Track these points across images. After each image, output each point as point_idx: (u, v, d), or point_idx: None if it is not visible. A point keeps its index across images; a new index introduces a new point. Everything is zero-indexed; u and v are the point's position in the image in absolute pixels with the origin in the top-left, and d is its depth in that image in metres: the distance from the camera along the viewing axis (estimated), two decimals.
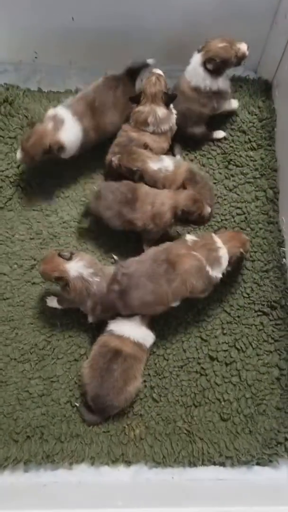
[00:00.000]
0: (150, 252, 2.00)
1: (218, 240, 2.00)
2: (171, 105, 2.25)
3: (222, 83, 2.30)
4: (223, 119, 2.47)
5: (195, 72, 2.27)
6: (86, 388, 1.95)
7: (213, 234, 2.04)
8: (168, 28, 2.42)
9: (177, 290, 1.93)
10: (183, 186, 2.15)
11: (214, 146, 2.47)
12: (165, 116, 2.21)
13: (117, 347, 1.93)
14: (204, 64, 2.23)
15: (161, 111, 2.19)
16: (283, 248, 2.29)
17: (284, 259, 2.27)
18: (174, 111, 2.27)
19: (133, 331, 1.96)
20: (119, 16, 2.33)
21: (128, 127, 2.25)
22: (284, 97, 2.43)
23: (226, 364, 2.10)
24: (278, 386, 2.08)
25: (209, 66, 2.22)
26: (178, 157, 2.38)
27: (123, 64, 2.57)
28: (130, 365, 1.93)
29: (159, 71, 2.25)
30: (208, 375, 2.08)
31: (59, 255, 1.95)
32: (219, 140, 2.46)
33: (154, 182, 2.15)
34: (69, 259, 1.96)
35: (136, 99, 2.24)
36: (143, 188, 2.11)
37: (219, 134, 2.46)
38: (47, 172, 2.36)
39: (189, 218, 2.06)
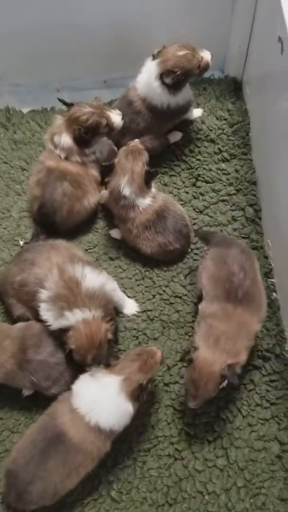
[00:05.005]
0: None
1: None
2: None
3: (182, 97, 1.87)
4: (184, 127, 2.06)
5: (149, 87, 1.83)
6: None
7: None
8: (112, 25, 2.03)
9: None
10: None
11: (177, 161, 2.04)
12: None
13: (63, 427, 1.42)
14: (161, 76, 1.78)
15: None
16: (272, 280, 1.81)
17: (274, 293, 1.79)
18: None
19: (97, 408, 1.42)
20: (46, 15, 1.95)
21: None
22: (255, 94, 2.00)
23: (209, 442, 1.57)
24: (280, 467, 1.54)
25: (168, 80, 1.77)
26: None
27: (62, 78, 2.22)
28: (74, 460, 1.41)
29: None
30: (185, 458, 1.56)
31: None
32: (182, 152, 2.04)
33: None
34: None
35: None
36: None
37: (176, 136, 2.04)
38: None
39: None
